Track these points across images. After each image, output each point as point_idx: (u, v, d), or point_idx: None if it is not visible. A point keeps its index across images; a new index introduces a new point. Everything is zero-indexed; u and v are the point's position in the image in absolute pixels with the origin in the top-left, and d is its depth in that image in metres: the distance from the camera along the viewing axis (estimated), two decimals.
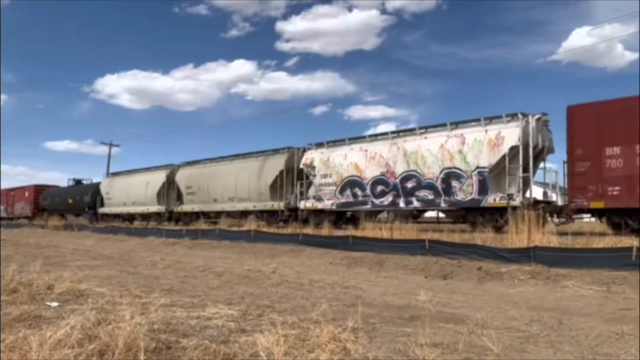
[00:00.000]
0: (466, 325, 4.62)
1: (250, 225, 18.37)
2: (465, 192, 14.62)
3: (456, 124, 15.53)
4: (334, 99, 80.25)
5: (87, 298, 5.82)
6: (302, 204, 19.08)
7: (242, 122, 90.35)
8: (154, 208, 26.82)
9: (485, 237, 11.05)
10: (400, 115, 76.19)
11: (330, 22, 69.80)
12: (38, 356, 3.12)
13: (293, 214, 19.64)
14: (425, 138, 15.86)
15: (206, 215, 23.86)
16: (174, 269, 10.23)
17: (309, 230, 15.47)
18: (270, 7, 74.02)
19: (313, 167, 18.86)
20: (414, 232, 13.02)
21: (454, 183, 14.84)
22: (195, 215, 24.37)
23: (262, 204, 20.80)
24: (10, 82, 75.30)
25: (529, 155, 13.71)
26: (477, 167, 14.34)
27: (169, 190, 26.40)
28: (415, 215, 16.22)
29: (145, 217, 27.81)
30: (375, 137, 17.78)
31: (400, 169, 16.16)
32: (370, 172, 16.96)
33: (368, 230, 13.89)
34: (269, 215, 20.35)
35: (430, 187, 15.40)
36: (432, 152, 15.34)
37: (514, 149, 13.87)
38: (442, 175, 15.09)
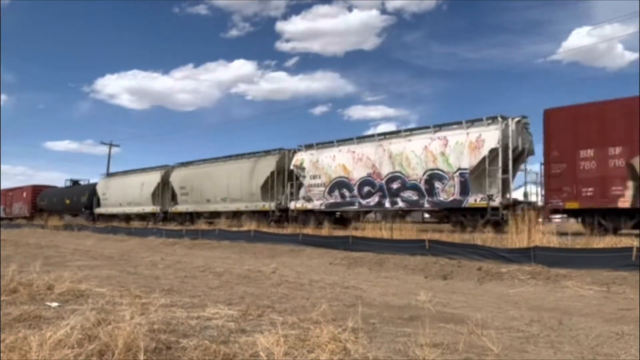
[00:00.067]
0: (466, 326, 4.62)
1: (243, 225, 18.54)
2: (448, 192, 14.93)
3: (439, 127, 15.90)
4: (334, 99, 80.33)
5: (87, 298, 5.82)
6: (292, 205, 19.44)
7: (242, 122, 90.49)
8: (149, 208, 27.20)
9: (485, 237, 11.06)
10: (400, 115, 76.24)
11: (330, 22, 69.81)
12: (38, 356, 3.12)
13: (284, 214, 19.97)
14: (410, 140, 16.25)
15: (199, 215, 24.27)
16: (174, 269, 10.23)
17: (309, 230, 15.51)
18: (270, 7, 74.06)
19: (303, 168, 19.22)
20: (414, 232, 13.05)
21: (437, 184, 15.17)
22: (189, 216, 24.81)
23: (253, 204, 21.13)
24: (10, 82, 75.40)
25: (509, 157, 14.02)
26: (459, 169, 14.69)
27: (164, 190, 26.77)
28: (401, 215, 16.58)
29: (141, 217, 28.14)
30: (362, 139, 18.12)
31: (385, 170, 16.50)
32: (357, 173, 17.30)
33: (368, 230, 13.91)
34: (260, 216, 20.61)
35: (415, 188, 15.74)
36: (416, 153, 15.70)
37: (493, 151, 14.19)
38: (425, 176, 15.45)
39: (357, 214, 18.37)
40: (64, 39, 77.92)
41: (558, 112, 12.89)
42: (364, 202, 17.06)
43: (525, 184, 15.21)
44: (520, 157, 14.74)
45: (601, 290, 6.95)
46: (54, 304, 5.37)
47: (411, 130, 16.85)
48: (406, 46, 72.74)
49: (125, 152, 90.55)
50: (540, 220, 13.71)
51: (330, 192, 18.12)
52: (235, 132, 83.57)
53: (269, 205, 20.39)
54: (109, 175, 34.16)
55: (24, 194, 39.56)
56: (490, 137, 14.23)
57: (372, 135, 17.91)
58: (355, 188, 17.26)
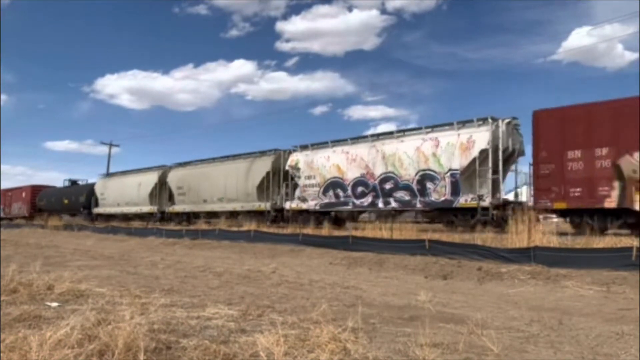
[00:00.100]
0: (466, 326, 4.62)
1: (242, 225, 18.60)
2: (439, 193, 15.09)
3: (432, 128, 16.08)
4: (334, 99, 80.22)
5: (87, 298, 5.82)
6: (287, 205, 19.59)
7: (242, 122, 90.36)
8: (147, 208, 27.35)
9: (485, 237, 11.08)
10: (400, 115, 76.19)
11: (330, 22, 69.73)
12: (38, 356, 3.12)
13: (279, 214, 20.12)
14: (403, 141, 16.41)
15: (196, 215, 24.44)
16: (174, 269, 10.23)
17: (309, 230, 15.53)
18: (270, 7, 73.98)
19: (298, 169, 19.38)
20: (414, 232, 13.09)
21: (429, 184, 15.33)
22: (186, 216, 24.98)
23: (249, 204, 21.26)
24: (10, 82, 75.37)
25: (499, 158, 14.14)
26: (450, 169, 14.85)
27: (161, 190, 26.93)
28: (393, 215, 16.79)
29: (138, 217, 28.29)
30: (356, 139, 18.25)
31: (379, 170, 16.65)
32: (351, 174, 17.45)
33: (368, 230, 13.94)
34: (256, 215, 20.73)
35: (407, 188, 15.89)
36: (409, 154, 15.86)
37: (484, 152, 14.33)
38: (417, 176, 15.61)
39: (351, 213, 18.58)
40: (64, 39, 77.97)
41: (546, 114, 13.10)
42: (357, 202, 17.22)
43: (516, 184, 15.47)
44: (510, 157, 14.93)
45: (601, 290, 6.95)
46: (54, 304, 5.37)
47: (404, 131, 17.06)
48: (406, 46, 72.77)
49: (126, 152, 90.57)
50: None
51: (325, 192, 18.28)
52: (235, 132, 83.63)
53: (265, 206, 20.55)
54: (107, 175, 34.29)
55: (23, 194, 39.64)
56: (480, 138, 14.42)
57: (366, 136, 18.11)
58: (349, 188, 17.43)
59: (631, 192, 11.45)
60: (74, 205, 33.59)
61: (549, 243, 9.36)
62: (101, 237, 20.83)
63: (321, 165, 18.46)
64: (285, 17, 79.18)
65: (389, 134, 17.42)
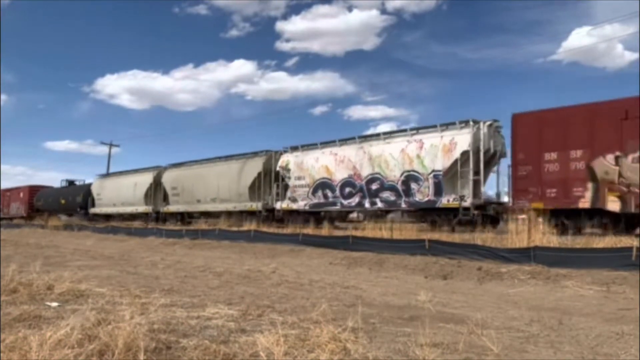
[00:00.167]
0: (466, 325, 4.62)
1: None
2: (423, 193, 15.39)
3: (416, 130, 16.44)
4: (334, 99, 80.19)
5: (87, 298, 5.82)
6: (278, 205, 19.87)
7: (242, 122, 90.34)
8: (142, 208, 27.62)
9: (485, 237, 11.08)
10: (400, 115, 76.07)
11: (330, 22, 69.58)
12: (38, 356, 3.12)
13: (270, 214, 20.33)
14: (389, 143, 16.74)
15: (190, 215, 24.73)
16: (174, 269, 10.23)
17: (309, 230, 15.55)
18: (270, 7, 73.85)
19: (288, 170, 19.65)
20: (414, 232, 13.13)
21: (413, 185, 15.62)
22: (180, 216, 25.26)
23: (242, 204, 21.47)
24: (10, 82, 75.24)
25: (480, 160, 14.42)
26: (433, 170, 15.15)
27: (156, 191, 27.17)
28: (379, 215, 16.97)
29: (134, 217, 28.52)
30: (344, 141, 18.51)
31: (366, 171, 16.94)
32: (339, 175, 17.73)
33: (368, 230, 13.94)
34: (248, 216, 20.87)
35: (392, 188, 16.18)
36: (394, 156, 16.17)
37: (465, 154, 14.62)
38: (402, 177, 15.90)
39: (340, 213, 18.92)
40: (64, 39, 77.85)
41: (525, 117, 13.40)
42: (345, 202, 17.50)
43: (498, 185, 15.74)
44: (492, 159, 15.17)
45: (601, 290, 6.96)
46: (54, 304, 5.37)
47: (390, 133, 17.49)
48: (406, 46, 72.66)
49: (125, 152, 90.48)
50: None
51: (314, 192, 18.55)
52: (235, 132, 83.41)
53: (256, 206, 20.78)
54: (103, 175, 34.51)
55: (21, 194, 39.73)
56: (462, 140, 14.69)
57: (354, 138, 18.34)
58: (337, 189, 17.71)
59: (604, 193, 11.76)
60: (71, 205, 33.75)
61: (548, 243, 9.37)
62: (101, 237, 20.84)
63: (310, 166, 18.77)
64: (285, 17, 79.20)
65: (375, 136, 17.78)
